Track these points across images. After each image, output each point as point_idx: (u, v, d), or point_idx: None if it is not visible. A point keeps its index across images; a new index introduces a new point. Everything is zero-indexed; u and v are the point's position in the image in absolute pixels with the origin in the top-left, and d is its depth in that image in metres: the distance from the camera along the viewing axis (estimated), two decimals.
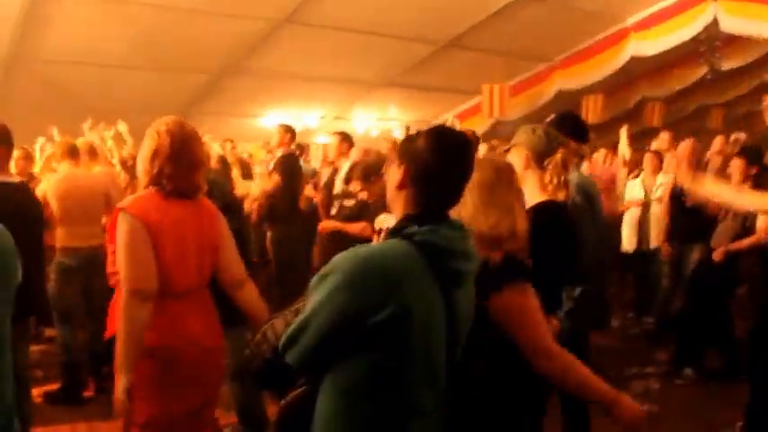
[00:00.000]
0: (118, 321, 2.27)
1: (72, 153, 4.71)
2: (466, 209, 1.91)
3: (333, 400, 1.64)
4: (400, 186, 1.69)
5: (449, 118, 10.32)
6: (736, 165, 4.94)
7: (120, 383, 2.22)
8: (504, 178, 2.07)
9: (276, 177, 5.79)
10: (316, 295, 1.58)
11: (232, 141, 7.45)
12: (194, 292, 2.47)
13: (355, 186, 4.38)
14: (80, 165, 4.84)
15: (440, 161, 1.66)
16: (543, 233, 2.15)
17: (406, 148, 1.74)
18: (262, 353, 1.81)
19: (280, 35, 8.03)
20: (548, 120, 3.38)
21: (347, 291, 1.54)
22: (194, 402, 2.43)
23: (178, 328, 2.38)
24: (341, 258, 1.59)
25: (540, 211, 2.42)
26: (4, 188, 3.41)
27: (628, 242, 6.74)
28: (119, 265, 2.31)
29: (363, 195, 4.40)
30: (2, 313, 1.28)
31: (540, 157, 2.51)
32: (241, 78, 9.20)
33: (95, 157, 5.39)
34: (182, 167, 2.39)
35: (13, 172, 5.35)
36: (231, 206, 3.85)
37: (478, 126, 10.13)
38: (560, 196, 2.51)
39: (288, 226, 5.91)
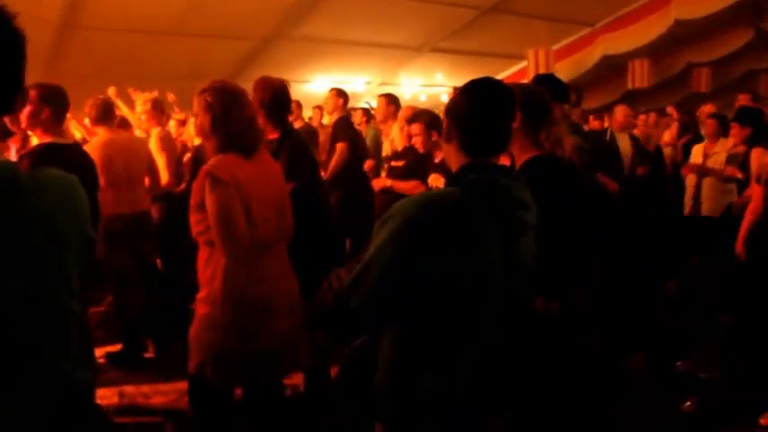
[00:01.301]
0: (216, 281, 2.39)
1: (107, 116, 4.44)
2: None
3: (394, 345, 1.66)
4: (447, 138, 1.75)
5: None
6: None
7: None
8: None
9: (341, 144, 5.58)
10: (376, 239, 1.59)
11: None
12: (275, 245, 2.56)
13: (415, 129, 4.18)
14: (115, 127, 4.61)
15: (473, 106, 1.70)
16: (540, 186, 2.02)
17: (448, 104, 1.81)
18: (327, 300, 1.88)
19: (326, 1, 8.17)
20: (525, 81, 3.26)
21: (406, 233, 1.55)
22: (268, 342, 2.47)
23: (256, 273, 2.46)
24: (400, 204, 1.61)
25: (534, 163, 2.36)
26: (59, 150, 3.32)
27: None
28: (214, 229, 2.35)
29: (418, 142, 4.19)
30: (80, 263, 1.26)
31: (532, 115, 2.38)
32: (288, 45, 9.36)
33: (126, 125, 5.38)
34: (243, 125, 2.45)
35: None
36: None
37: None
38: (558, 154, 2.43)
39: (357, 189, 5.62)
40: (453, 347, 1.62)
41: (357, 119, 7.05)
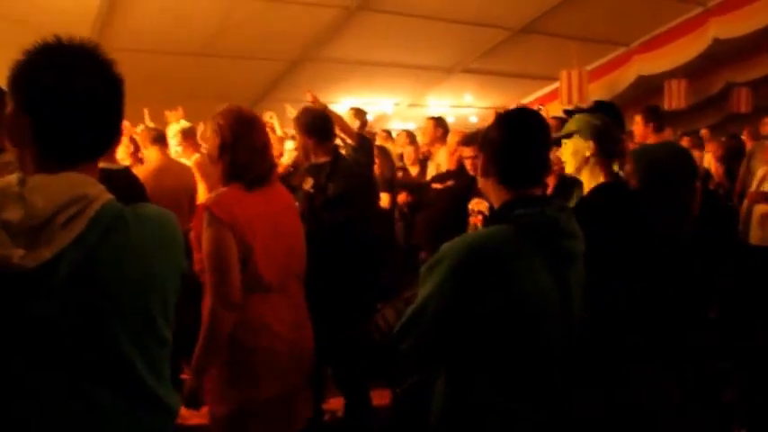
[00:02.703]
0: (203, 321, 2.25)
1: (161, 140, 4.66)
2: None
3: (448, 386, 1.66)
4: (485, 173, 1.74)
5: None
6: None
7: (194, 381, 2.23)
8: None
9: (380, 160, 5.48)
10: (427, 284, 1.60)
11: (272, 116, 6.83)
12: (282, 285, 2.40)
13: (469, 152, 4.13)
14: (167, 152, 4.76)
15: (509, 137, 1.70)
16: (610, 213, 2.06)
17: (482, 137, 1.79)
18: (374, 341, 1.86)
19: (354, 22, 8.10)
20: (585, 107, 3.30)
21: (457, 277, 1.56)
22: (275, 391, 2.35)
23: (257, 319, 2.32)
24: (449, 246, 1.62)
25: (605, 190, 2.32)
26: (108, 177, 3.27)
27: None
28: (206, 268, 2.24)
29: (469, 164, 4.16)
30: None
31: (606, 145, 2.41)
32: (315, 66, 9.31)
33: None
34: (251, 154, 2.34)
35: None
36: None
37: (556, 113, 9.94)
38: (630, 183, 2.48)
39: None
40: (508, 387, 1.61)
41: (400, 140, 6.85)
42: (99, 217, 1.20)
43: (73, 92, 1.22)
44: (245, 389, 2.30)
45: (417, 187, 5.54)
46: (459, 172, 4.56)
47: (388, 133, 8.43)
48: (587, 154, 2.37)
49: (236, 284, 2.22)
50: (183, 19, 7.44)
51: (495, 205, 1.73)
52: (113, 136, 1.34)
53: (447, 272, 1.56)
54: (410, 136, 6.88)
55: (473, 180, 4.34)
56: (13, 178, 1.20)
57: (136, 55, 8.13)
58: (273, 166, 2.49)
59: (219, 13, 7.41)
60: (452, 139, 4.82)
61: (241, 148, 2.32)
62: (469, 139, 4.35)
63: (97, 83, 1.26)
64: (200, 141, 5.02)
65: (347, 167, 3.67)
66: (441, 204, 4.50)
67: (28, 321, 1.14)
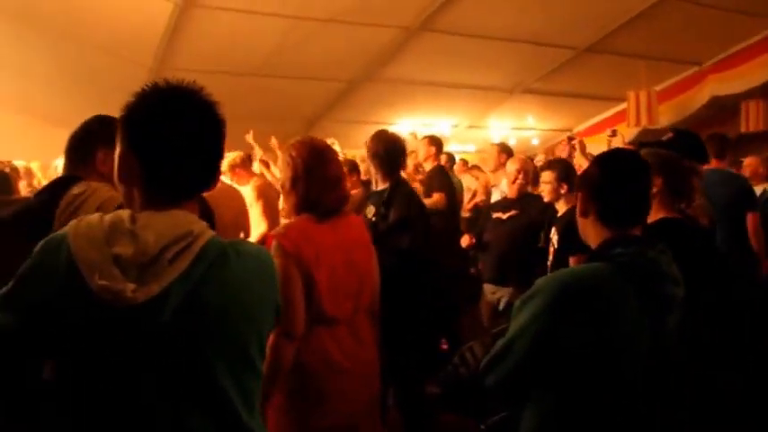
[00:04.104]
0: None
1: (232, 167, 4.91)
2: None
3: (535, 423, 1.66)
4: (584, 212, 1.75)
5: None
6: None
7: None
8: None
9: (437, 195, 5.36)
10: (518, 319, 1.62)
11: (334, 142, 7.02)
12: (350, 319, 2.39)
13: (546, 177, 4.06)
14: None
15: (609, 176, 1.72)
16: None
17: (581, 176, 1.85)
18: (460, 375, 1.85)
19: (413, 43, 8.02)
20: (664, 138, 3.11)
21: (550, 313, 1.58)
22: (337, 423, 2.33)
23: (320, 352, 2.31)
24: (544, 281, 1.64)
25: (665, 226, 2.23)
26: None
27: None
28: None
29: (546, 190, 4.07)
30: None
31: (674, 181, 2.35)
32: (374, 86, 9.26)
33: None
34: (323, 186, 2.34)
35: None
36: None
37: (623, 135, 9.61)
38: (700, 221, 2.38)
39: (451, 244, 5.36)
40: (595, 425, 1.60)
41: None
42: (203, 253, 1.27)
43: (179, 135, 1.31)
44: (307, 419, 2.30)
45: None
46: (521, 200, 4.51)
47: (465, 162, 8.41)
48: (654, 190, 2.27)
49: (299, 317, 2.23)
50: (243, 40, 7.52)
51: (594, 245, 1.73)
52: (214, 174, 1.41)
53: (540, 308, 1.57)
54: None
55: (541, 210, 4.24)
56: (124, 214, 1.27)
57: (196, 75, 8.08)
58: (346, 197, 2.48)
59: (278, 34, 7.44)
60: (512, 166, 4.69)
61: (313, 179, 2.33)
62: (548, 164, 4.31)
63: (202, 126, 1.36)
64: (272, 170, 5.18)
65: (407, 193, 3.70)
66: (504, 237, 4.49)
67: (134, 353, 1.21)
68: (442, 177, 5.54)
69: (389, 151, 3.66)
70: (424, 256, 3.60)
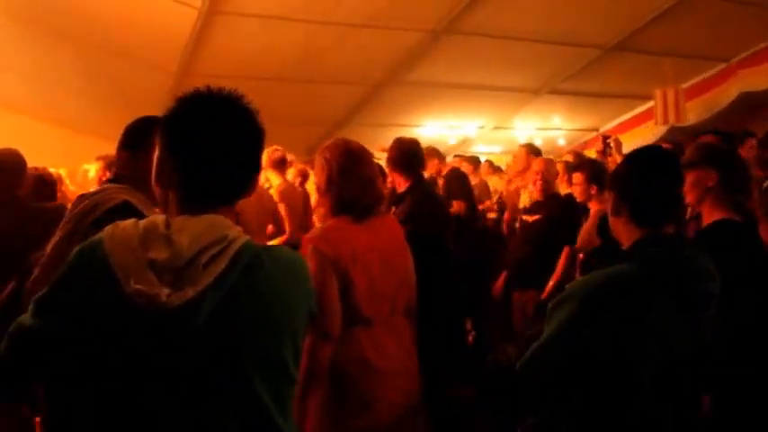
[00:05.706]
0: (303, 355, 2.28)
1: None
2: None
3: (571, 424, 1.66)
4: (616, 212, 1.74)
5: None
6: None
7: (295, 412, 2.23)
8: None
9: (458, 202, 5.39)
10: (552, 323, 1.62)
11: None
12: (387, 320, 2.39)
13: (577, 178, 4.10)
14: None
15: (640, 174, 1.70)
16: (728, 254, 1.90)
17: (612, 175, 1.82)
18: (494, 379, 1.88)
19: (439, 46, 8.02)
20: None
21: (584, 316, 1.58)
22: (375, 424, 2.32)
23: (357, 352, 2.32)
24: (576, 285, 1.66)
25: (725, 227, 2.12)
26: None
27: None
28: None
29: (577, 191, 4.12)
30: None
31: (732, 176, 2.21)
32: (399, 89, 9.27)
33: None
34: (358, 187, 2.35)
35: None
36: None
37: (651, 134, 9.52)
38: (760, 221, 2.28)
39: (472, 250, 5.44)
40: (632, 425, 1.59)
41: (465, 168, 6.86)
42: (238, 257, 1.26)
43: (217, 141, 1.31)
44: (345, 420, 2.30)
45: None
46: (546, 203, 4.53)
47: (491, 164, 8.45)
48: (710, 185, 2.19)
49: (336, 318, 2.24)
50: (267, 45, 7.57)
51: (626, 244, 1.71)
52: (252, 181, 1.40)
53: (574, 311, 1.58)
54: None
55: (564, 212, 4.25)
56: (159, 219, 1.27)
57: (220, 81, 8.23)
58: (382, 197, 2.49)
59: (304, 38, 7.47)
60: (536, 167, 4.70)
61: (348, 180, 2.34)
62: (579, 165, 4.32)
63: (240, 133, 1.35)
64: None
65: (421, 191, 3.75)
66: (527, 240, 4.54)
67: (168, 358, 1.21)
68: (461, 184, 5.62)
69: (405, 155, 3.74)
70: (439, 245, 3.67)
